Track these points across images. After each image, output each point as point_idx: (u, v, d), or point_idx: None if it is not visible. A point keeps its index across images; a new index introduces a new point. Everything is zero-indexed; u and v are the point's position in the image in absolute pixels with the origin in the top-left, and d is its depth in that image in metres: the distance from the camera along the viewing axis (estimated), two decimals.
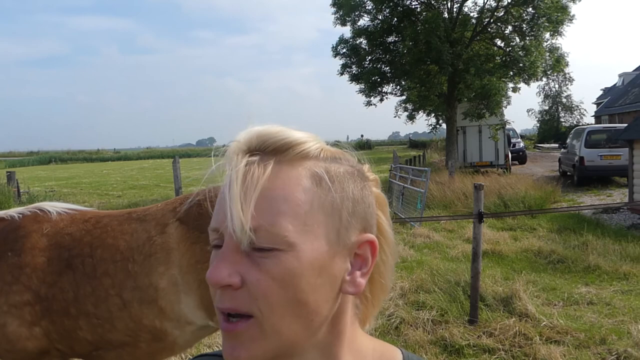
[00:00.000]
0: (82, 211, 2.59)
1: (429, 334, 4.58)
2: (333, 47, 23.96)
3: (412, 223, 10.00)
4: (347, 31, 24.12)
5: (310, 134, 0.65)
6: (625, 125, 13.93)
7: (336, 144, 0.68)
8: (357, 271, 0.63)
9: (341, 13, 22.97)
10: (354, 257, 0.63)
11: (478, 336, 4.49)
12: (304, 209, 0.59)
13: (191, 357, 0.82)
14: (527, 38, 21.27)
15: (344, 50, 23.73)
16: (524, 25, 21.33)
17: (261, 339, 0.59)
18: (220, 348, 0.64)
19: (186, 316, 2.37)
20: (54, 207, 2.54)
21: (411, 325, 4.72)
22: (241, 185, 0.58)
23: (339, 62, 24.06)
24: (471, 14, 22.77)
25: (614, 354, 4.06)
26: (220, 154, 0.63)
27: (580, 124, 43.14)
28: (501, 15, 21.65)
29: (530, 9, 20.82)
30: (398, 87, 24.60)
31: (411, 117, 24.80)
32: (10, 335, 2.26)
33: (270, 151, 0.61)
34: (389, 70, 23.74)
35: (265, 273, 0.57)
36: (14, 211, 2.50)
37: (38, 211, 2.48)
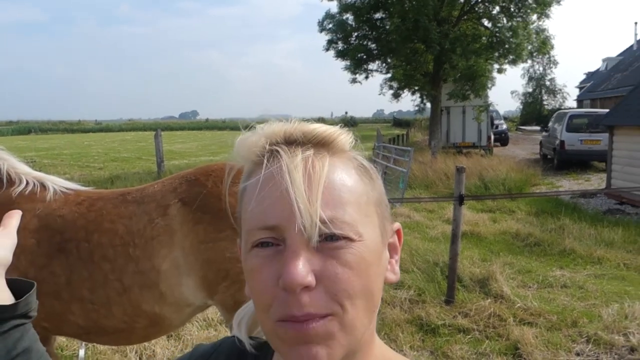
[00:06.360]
0: (76, 192, 2.50)
1: (406, 313, 4.67)
2: (319, 22, 23.72)
3: (393, 203, 10.08)
4: (333, 6, 23.91)
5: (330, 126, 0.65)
6: (607, 110, 14.09)
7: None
8: (391, 259, 0.66)
9: None
10: (388, 246, 0.65)
11: (454, 316, 4.58)
12: (363, 199, 0.59)
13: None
14: (514, 19, 21.24)
15: (330, 25, 23.48)
16: (512, 6, 21.28)
17: (340, 335, 0.56)
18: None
19: (186, 299, 2.35)
20: (54, 183, 2.46)
21: (389, 304, 4.80)
22: (304, 178, 0.56)
23: (324, 37, 23.88)
24: None
25: (584, 336, 4.17)
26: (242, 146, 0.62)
27: (563, 107, 43.47)
28: None
29: None
30: (384, 64, 24.50)
31: (396, 96, 24.80)
32: None
33: (317, 143, 0.60)
34: (375, 48, 23.58)
35: (344, 264, 0.56)
36: (22, 172, 2.42)
37: (38, 184, 2.40)
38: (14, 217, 0.86)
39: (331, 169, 0.58)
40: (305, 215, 0.54)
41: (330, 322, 0.55)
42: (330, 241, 0.56)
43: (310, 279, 0.54)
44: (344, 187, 0.58)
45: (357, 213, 0.57)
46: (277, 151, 0.58)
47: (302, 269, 0.54)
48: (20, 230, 2.37)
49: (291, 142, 0.60)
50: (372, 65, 24.43)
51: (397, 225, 0.67)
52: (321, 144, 0.60)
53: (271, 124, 0.61)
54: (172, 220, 2.31)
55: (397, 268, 0.66)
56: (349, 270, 0.56)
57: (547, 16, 21.27)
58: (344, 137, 0.62)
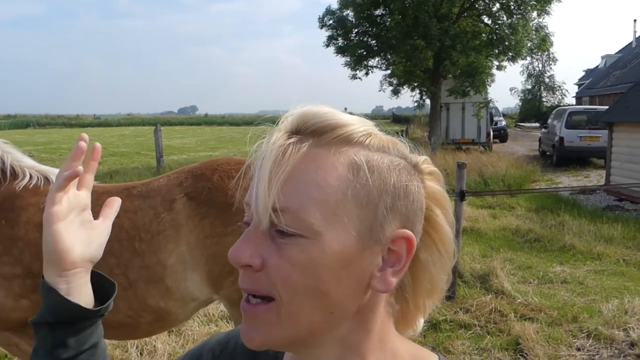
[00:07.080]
0: None
1: None
2: (319, 18, 23.70)
3: None
4: (334, 2, 24.01)
5: (360, 118, 0.61)
6: (606, 107, 14.11)
7: (390, 133, 0.64)
8: (389, 268, 0.59)
9: None
10: (388, 252, 0.59)
11: (455, 312, 4.60)
12: (335, 197, 0.55)
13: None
14: (514, 16, 21.24)
15: (331, 21, 23.47)
16: (512, 3, 21.28)
17: (278, 324, 0.57)
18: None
19: (192, 294, 2.35)
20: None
21: None
22: (272, 164, 0.55)
23: (324, 33, 23.86)
24: None
25: (584, 331, 4.19)
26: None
27: (562, 104, 43.45)
28: None
29: None
30: (384, 61, 24.49)
31: (396, 92, 24.75)
32: None
33: (310, 132, 0.58)
34: (375, 44, 23.59)
35: (287, 260, 0.55)
36: (26, 165, 2.39)
37: (42, 178, 2.37)
38: (114, 207, 0.85)
39: (307, 159, 0.55)
40: (260, 200, 0.55)
41: (270, 310, 0.57)
42: (280, 233, 0.55)
43: (253, 261, 0.56)
44: (312, 180, 0.55)
45: (320, 210, 0.54)
46: (270, 136, 0.58)
47: (245, 249, 0.56)
48: (24, 224, 2.32)
49: (293, 129, 0.59)
50: (372, 62, 24.46)
51: (405, 232, 0.58)
52: (316, 133, 0.58)
53: (290, 112, 0.60)
54: (178, 214, 2.31)
55: (390, 279, 0.58)
56: (291, 267, 0.55)
57: (547, 13, 21.30)
58: (350, 129, 0.58)
